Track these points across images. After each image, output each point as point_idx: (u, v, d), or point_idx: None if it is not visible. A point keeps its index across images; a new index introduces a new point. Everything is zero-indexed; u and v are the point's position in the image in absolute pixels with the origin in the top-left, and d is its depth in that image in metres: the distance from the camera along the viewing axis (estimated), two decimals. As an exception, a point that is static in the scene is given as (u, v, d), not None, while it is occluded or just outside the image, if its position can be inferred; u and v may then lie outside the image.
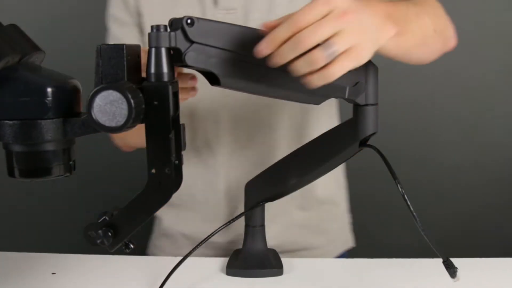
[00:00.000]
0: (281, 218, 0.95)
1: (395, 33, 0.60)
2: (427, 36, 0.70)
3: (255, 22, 0.83)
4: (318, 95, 0.66)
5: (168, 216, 1.01)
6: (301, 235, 0.98)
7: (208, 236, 0.80)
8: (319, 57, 0.51)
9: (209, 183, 0.94)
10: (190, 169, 0.92)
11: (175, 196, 0.60)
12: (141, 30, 0.93)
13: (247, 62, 0.61)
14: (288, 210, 0.96)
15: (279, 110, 0.91)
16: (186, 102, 0.78)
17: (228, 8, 0.87)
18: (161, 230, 1.03)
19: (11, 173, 0.59)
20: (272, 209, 0.85)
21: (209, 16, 0.87)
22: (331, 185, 1.00)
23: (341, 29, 0.52)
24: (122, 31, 0.94)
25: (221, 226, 0.79)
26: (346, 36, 0.52)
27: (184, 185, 0.63)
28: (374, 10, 0.58)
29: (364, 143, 0.72)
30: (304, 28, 0.52)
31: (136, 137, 0.91)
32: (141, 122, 0.57)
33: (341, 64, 0.53)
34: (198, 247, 0.76)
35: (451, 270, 0.66)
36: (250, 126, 0.92)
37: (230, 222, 0.80)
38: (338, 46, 0.52)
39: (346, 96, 0.67)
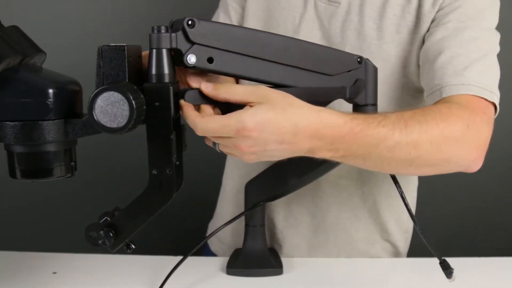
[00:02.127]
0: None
1: (330, 157, 0.61)
2: (385, 165, 0.64)
3: (351, 24, 0.81)
4: (320, 99, 0.66)
5: None
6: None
7: (209, 235, 0.80)
8: (205, 140, 0.62)
9: None
10: None
11: None
12: (243, 8, 0.92)
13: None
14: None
15: None
16: None
17: (332, 0, 0.84)
18: None
19: (12, 174, 0.59)
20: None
21: (309, 4, 0.85)
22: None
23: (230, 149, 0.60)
24: (222, 10, 0.94)
25: (220, 226, 0.80)
26: (232, 152, 0.60)
27: None
28: (293, 146, 0.58)
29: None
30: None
31: None
32: (142, 123, 0.57)
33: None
34: (198, 247, 0.76)
35: (448, 271, 0.67)
36: None
37: (229, 222, 0.80)
38: (221, 150, 0.62)
39: (347, 96, 0.68)
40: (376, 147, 0.60)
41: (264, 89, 0.59)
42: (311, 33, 0.84)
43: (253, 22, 0.89)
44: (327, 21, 0.84)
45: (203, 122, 0.57)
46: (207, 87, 0.60)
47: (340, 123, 0.59)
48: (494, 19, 0.78)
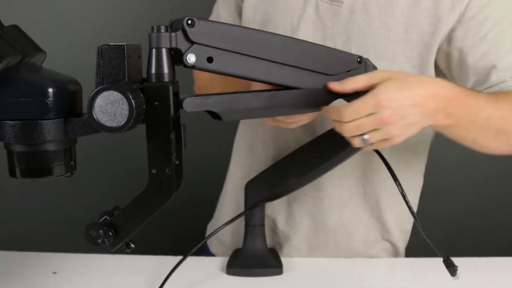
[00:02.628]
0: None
1: (446, 124, 0.68)
2: (480, 137, 0.73)
3: (356, 23, 0.81)
4: (319, 105, 0.68)
5: None
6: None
7: (209, 234, 0.80)
8: (355, 143, 0.66)
9: None
10: None
11: None
12: (239, 15, 0.93)
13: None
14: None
15: None
16: None
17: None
18: None
19: (12, 173, 0.59)
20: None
21: (309, 4, 0.84)
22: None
23: (378, 128, 0.64)
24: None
25: (220, 226, 0.80)
26: (381, 135, 0.65)
27: None
28: (423, 108, 0.65)
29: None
30: (348, 122, 0.64)
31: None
32: (142, 123, 0.57)
33: (372, 145, 0.66)
34: (198, 247, 0.76)
35: (452, 269, 0.67)
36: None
37: (229, 222, 0.80)
38: (372, 141, 0.65)
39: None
40: (476, 115, 0.70)
41: (381, 71, 0.67)
42: (311, 33, 0.84)
43: (252, 27, 0.88)
44: (329, 20, 0.83)
45: (345, 107, 0.64)
46: (334, 84, 0.66)
47: (451, 86, 0.68)
48: None
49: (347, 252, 0.92)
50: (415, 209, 0.94)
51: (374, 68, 0.69)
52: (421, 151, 0.94)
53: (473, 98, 0.69)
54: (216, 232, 0.80)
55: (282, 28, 0.86)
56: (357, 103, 0.63)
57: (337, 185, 0.88)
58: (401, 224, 0.95)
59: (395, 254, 0.96)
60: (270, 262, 0.82)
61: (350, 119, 0.64)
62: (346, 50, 0.80)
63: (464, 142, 0.75)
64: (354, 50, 0.80)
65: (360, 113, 0.63)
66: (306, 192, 0.88)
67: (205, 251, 1.03)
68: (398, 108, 0.63)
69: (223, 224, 0.79)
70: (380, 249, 0.94)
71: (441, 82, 0.68)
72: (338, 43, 0.82)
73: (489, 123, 0.71)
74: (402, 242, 0.97)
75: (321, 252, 0.92)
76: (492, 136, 0.73)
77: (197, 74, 1.00)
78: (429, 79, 0.69)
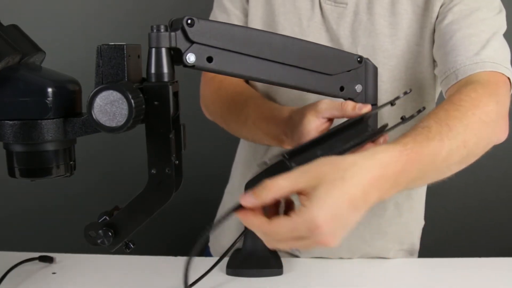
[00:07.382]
0: None
1: (404, 188, 0.56)
2: (446, 173, 0.64)
3: (361, 24, 0.81)
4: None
5: None
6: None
7: (216, 223, 0.80)
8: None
9: None
10: None
11: None
12: (245, 15, 0.90)
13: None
14: None
15: None
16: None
17: (338, 1, 0.82)
18: None
19: (11, 173, 0.59)
20: None
21: (316, 7, 0.84)
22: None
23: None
24: (223, 18, 0.91)
25: (221, 220, 0.79)
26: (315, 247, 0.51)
27: None
28: (365, 205, 0.51)
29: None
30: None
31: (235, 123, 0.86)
32: (142, 122, 0.57)
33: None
34: (201, 246, 0.76)
35: None
36: None
37: (226, 217, 0.79)
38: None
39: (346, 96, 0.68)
40: (433, 162, 0.58)
41: (308, 171, 0.51)
42: (318, 36, 0.84)
43: (257, 27, 0.88)
44: (335, 22, 0.83)
45: (272, 230, 0.50)
46: (247, 201, 0.51)
47: (397, 156, 0.54)
48: None
49: (362, 251, 0.92)
50: (424, 201, 0.95)
51: (375, 68, 0.69)
52: None
53: (425, 146, 0.57)
54: (218, 227, 0.79)
55: (290, 30, 0.85)
56: (287, 227, 0.49)
57: None
58: (420, 224, 0.96)
59: (412, 253, 0.96)
60: (270, 263, 0.82)
61: (276, 238, 0.51)
62: (353, 51, 0.81)
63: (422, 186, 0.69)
64: (361, 51, 0.80)
65: (290, 236, 0.50)
66: None
67: (207, 255, 1.02)
68: (339, 225, 0.49)
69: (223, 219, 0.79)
70: (397, 250, 0.94)
71: (386, 157, 0.53)
72: (344, 45, 0.82)
73: (449, 160, 0.60)
74: (418, 239, 0.97)
75: (336, 253, 0.91)
76: (457, 167, 0.64)
77: (204, 90, 0.95)
78: (371, 160, 0.52)
